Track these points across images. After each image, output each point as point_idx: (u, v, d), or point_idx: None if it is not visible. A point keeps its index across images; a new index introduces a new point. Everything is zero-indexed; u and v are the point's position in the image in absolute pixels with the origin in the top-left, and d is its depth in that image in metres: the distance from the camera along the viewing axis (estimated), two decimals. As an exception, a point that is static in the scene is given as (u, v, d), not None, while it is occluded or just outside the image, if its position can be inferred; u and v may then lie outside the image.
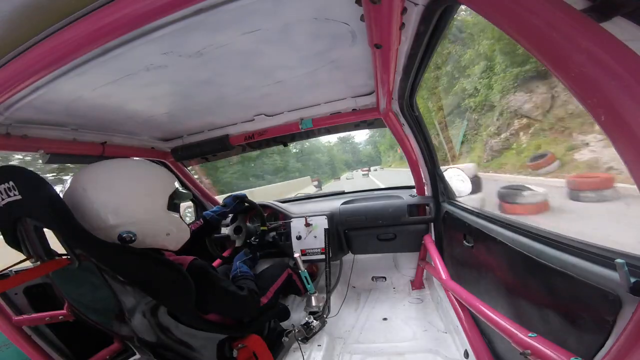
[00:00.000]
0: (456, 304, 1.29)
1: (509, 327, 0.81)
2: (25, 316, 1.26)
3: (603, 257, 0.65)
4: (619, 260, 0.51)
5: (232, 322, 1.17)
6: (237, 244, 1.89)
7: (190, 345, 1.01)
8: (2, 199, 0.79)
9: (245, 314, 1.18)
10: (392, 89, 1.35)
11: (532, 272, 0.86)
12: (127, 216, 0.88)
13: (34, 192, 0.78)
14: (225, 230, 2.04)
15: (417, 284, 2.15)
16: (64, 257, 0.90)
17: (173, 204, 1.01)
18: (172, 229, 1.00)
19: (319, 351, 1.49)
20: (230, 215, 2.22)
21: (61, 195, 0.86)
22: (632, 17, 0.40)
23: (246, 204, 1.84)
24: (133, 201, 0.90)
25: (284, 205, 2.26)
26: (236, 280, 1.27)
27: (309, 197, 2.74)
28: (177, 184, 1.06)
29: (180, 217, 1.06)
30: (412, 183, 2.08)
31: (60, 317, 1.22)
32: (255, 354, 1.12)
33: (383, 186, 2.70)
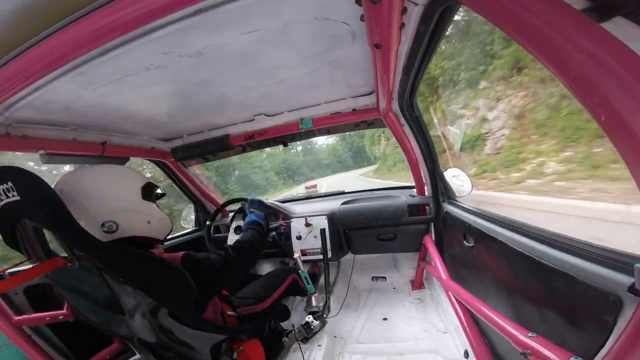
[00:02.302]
0: (456, 304, 1.29)
1: (509, 327, 0.81)
2: (25, 316, 1.25)
3: (603, 257, 0.65)
4: (638, 265, 0.50)
5: (234, 322, 1.17)
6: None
7: (191, 346, 1.00)
8: (1, 200, 0.79)
9: (239, 269, 1.18)
10: (392, 89, 1.35)
11: (532, 272, 0.86)
12: (106, 206, 0.92)
13: (32, 192, 0.77)
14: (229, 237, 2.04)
15: (417, 284, 2.15)
16: (63, 257, 0.90)
17: (148, 194, 1.04)
18: (152, 217, 1.03)
19: (319, 351, 1.49)
20: (231, 214, 2.23)
21: None
22: (632, 17, 0.40)
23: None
24: (109, 192, 0.94)
25: (284, 205, 2.26)
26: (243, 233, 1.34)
27: (309, 197, 2.74)
28: (145, 180, 1.08)
29: (157, 207, 1.09)
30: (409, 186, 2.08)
31: (60, 317, 1.22)
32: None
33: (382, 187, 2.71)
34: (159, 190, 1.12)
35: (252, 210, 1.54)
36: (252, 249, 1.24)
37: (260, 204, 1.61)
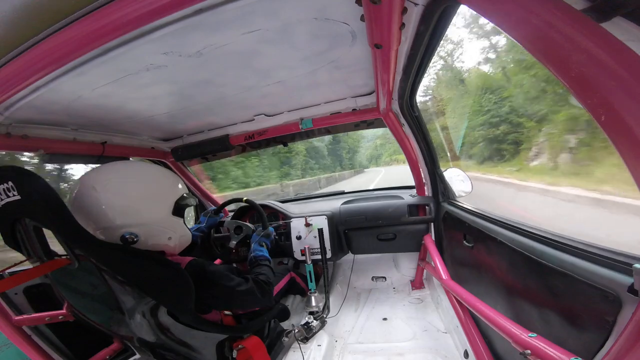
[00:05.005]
0: (456, 304, 1.29)
1: (509, 327, 0.81)
2: (25, 316, 1.25)
3: (603, 257, 0.65)
4: (637, 265, 0.50)
5: (232, 322, 1.17)
6: (231, 243, 1.82)
7: (190, 345, 1.00)
8: (1, 200, 0.79)
9: (256, 305, 1.15)
10: (392, 89, 1.35)
11: (532, 272, 0.86)
12: (133, 218, 0.89)
13: (33, 192, 0.77)
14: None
15: (417, 284, 2.15)
16: (63, 257, 0.90)
17: (178, 209, 1.01)
18: (174, 233, 1.01)
19: (319, 351, 1.49)
20: (231, 214, 2.22)
21: (73, 194, 0.88)
22: (632, 17, 0.40)
23: (246, 204, 1.86)
24: (141, 204, 0.91)
25: (284, 205, 2.26)
26: (252, 267, 1.27)
27: (309, 197, 2.74)
28: (183, 191, 1.05)
29: (184, 222, 1.06)
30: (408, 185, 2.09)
31: (60, 317, 1.22)
32: (253, 357, 1.11)
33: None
34: (186, 194, 1.05)
35: (263, 242, 1.47)
36: (272, 290, 1.18)
37: (271, 235, 1.59)
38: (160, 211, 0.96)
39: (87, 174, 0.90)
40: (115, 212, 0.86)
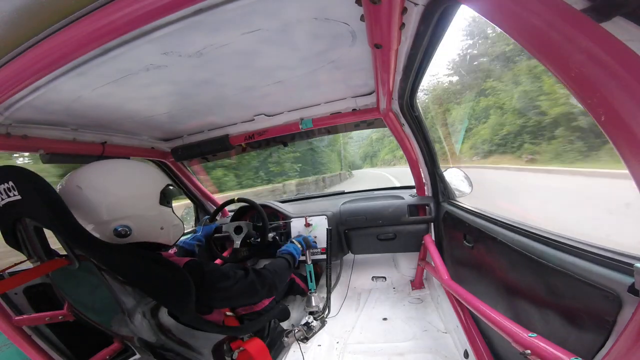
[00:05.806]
0: (456, 304, 1.29)
1: (509, 327, 0.81)
2: (25, 316, 1.25)
3: (603, 257, 0.65)
4: (637, 265, 0.50)
5: (233, 323, 1.17)
6: (235, 244, 1.87)
7: (191, 346, 1.01)
8: (2, 199, 0.79)
9: (257, 297, 1.15)
10: (392, 89, 1.35)
11: (532, 272, 0.86)
12: (122, 211, 0.90)
13: (33, 192, 0.77)
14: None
15: (417, 284, 2.15)
16: (63, 257, 0.90)
17: (165, 199, 1.03)
18: (165, 223, 1.02)
19: (319, 351, 1.49)
20: (231, 214, 2.23)
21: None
22: (632, 17, 0.40)
23: (246, 204, 1.87)
24: (127, 197, 0.92)
25: (283, 205, 2.26)
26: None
27: (309, 197, 2.74)
28: (167, 182, 1.07)
29: (173, 212, 1.07)
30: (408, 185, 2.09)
31: (60, 317, 1.22)
32: (254, 359, 1.11)
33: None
34: (171, 187, 1.07)
35: (293, 240, 1.57)
36: (275, 280, 1.17)
37: (306, 241, 1.70)
38: (148, 202, 0.97)
39: (71, 174, 0.90)
40: (103, 208, 0.87)
